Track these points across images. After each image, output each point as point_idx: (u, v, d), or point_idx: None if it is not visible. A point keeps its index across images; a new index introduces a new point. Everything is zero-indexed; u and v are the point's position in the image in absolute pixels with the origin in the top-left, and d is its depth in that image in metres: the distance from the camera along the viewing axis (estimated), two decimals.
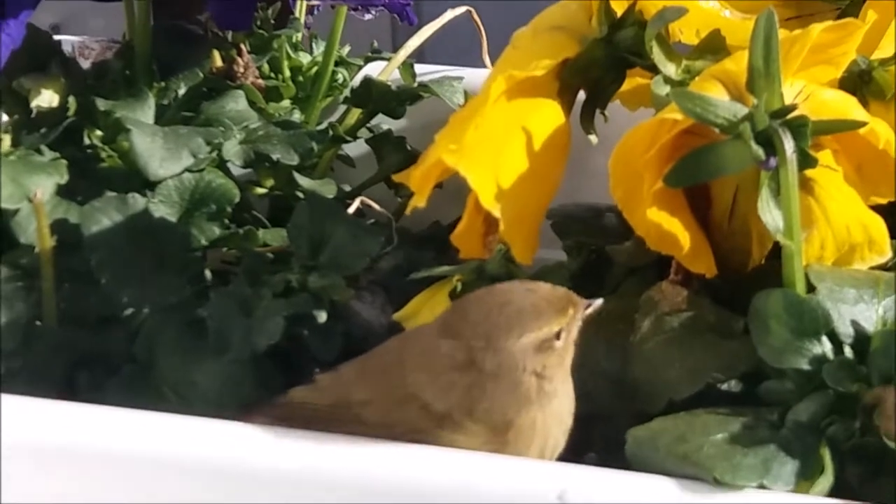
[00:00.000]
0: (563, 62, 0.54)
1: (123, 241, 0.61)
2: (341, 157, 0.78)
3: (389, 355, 0.52)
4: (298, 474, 0.47)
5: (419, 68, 0.79)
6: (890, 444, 0.46)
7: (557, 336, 0.49)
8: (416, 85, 0.76)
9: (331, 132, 0.70)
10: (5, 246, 0.62)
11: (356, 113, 0.77)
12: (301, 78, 0.78)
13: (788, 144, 0.48)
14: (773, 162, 0.48)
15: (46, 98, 0.66)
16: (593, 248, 0.62)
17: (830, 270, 0.51)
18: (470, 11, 0.81)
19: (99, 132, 0.67)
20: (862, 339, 0.49)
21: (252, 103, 0.72)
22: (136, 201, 0.62)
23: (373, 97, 0.74)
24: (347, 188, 0.75)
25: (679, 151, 0.51)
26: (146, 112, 0.67)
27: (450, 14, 0.80)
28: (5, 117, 0.67)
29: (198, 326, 0.61)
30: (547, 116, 0.53)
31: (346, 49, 0.80)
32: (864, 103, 0.55)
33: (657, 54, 0.52)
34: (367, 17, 0.83)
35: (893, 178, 0.53)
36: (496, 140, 0.51)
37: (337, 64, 0.78)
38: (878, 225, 0.53)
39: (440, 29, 0.79)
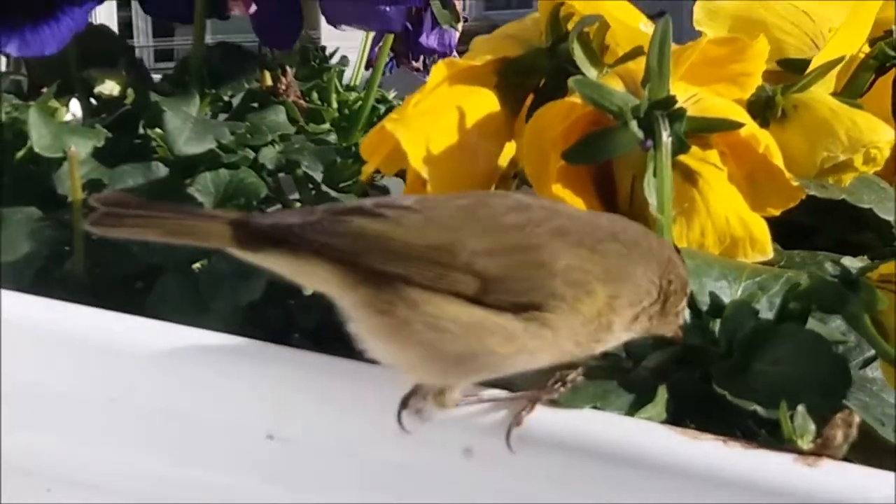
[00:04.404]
0: (501, 59, 0.62)
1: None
2: (377, 186, 0.87)
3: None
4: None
5: None
6: (718, 391, 0.52)
7: None
8: None
9: (353, 149, 0.80)
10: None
11: None
12: (347, 110, 0.88)
13: (665, 130, 0.56)
14: (649, 143, 0.56)
15: (108, 87, 0.77)
16: None
17: (705, 253, 0.58)
18: None
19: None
20: (717, 308, 0.56)
21: (293, 120, 0.82)
22: (159, 168, 0.72)
23: None
24: None
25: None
26: (190, 108, 0.77)
27: None
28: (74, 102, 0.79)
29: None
30: (481, 101, 0.61)
31: (393, 93, 0.90)
32: (767, 125, 0.62)
33: (579, 56, 0.60)
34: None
35: (781, 191, 0.60)
36: (432, 114, 0.60)
37: (380, 101, 0.88)
38: (759, 224, 0.59)
39: None
